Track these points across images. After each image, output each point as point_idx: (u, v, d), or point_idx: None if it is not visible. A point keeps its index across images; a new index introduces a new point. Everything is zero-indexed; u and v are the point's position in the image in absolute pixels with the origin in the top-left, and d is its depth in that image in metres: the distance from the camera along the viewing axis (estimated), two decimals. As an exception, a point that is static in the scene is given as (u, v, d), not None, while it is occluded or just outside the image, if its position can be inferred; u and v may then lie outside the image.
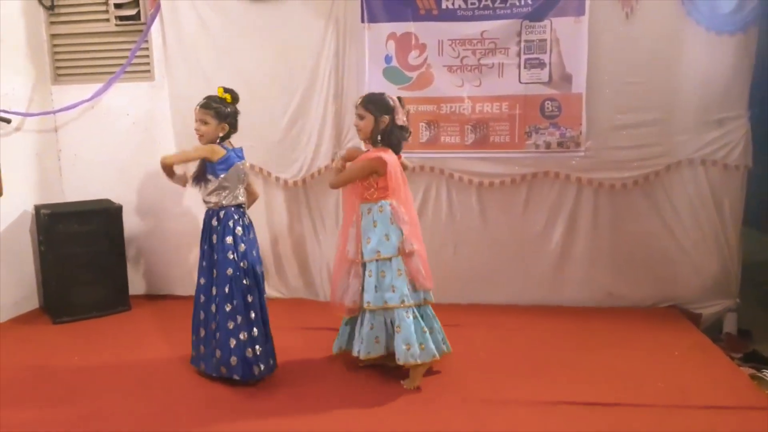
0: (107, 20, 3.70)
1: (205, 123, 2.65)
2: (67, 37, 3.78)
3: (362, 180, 2.62)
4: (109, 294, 3.59)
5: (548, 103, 3.42)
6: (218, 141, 2.68)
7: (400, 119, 2.61)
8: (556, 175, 3.49)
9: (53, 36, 3.79)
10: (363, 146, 2.80)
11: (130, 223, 3.74)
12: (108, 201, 3.74)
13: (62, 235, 3.45)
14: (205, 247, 2.71)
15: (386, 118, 2.58)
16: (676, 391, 2.54)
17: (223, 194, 2.68)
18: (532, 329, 3.26)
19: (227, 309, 2.61)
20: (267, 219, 3.76)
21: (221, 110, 2.66)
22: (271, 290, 3.82)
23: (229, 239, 2.64)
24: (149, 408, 2.45)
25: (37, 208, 3.59)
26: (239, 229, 2.67)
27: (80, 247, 3.49)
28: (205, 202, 2.73)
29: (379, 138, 2.61)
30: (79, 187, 3.84)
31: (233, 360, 2.60)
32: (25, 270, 3.68)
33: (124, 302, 3.65)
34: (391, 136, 2.61)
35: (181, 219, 3.77)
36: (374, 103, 2.59)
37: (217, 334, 2.62)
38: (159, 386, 2.66)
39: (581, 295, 3.59)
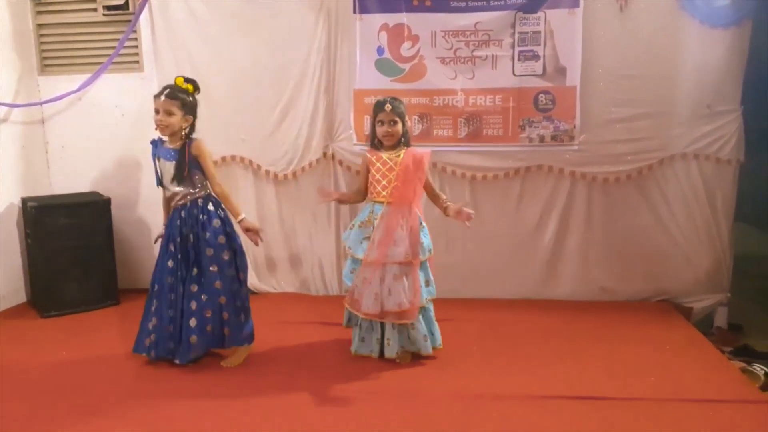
0: (95, 10, 3.64)
1: (171, 114, 2.59)
2: (54, 27, 3.71)
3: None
4: (98, 288, 3.55)
5: (542, 96, 3.40)
6: (184, 135, 2.64)
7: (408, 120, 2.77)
8: (549, 168, 3.48)
9: (39, 26, 3.72)
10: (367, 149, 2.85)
11: (119, 216, 3.68)
12: (96, 194, 3.69)
13: (50, 229, 3.40)
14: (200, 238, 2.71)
15: (408, 121, 2.73)
16: (668, 384, 2.54)
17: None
18: (524, 324, 3.26)
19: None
20: (257, 212, 3.72)
21: (187, 101, 2.62)
22: (262, 285, 3.80)
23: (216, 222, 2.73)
24: (138, 402, 2.42)
25: (24, 201, 3.53)
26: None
27: (68, 241, 3.44)
28: (191, 194, 2.70)
29: (402, 140, 2.71)
30: (67, 179, 3.79)
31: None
32: (12, 264, 3.63)
33: (112, 296, 3.61)
34: (408, 137, 2.74)
35: (170, 212, 3.72)
36: (401, 108, 2.69)
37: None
38: (148, 380, 2.63)
39: (574, 290, 3.59)
